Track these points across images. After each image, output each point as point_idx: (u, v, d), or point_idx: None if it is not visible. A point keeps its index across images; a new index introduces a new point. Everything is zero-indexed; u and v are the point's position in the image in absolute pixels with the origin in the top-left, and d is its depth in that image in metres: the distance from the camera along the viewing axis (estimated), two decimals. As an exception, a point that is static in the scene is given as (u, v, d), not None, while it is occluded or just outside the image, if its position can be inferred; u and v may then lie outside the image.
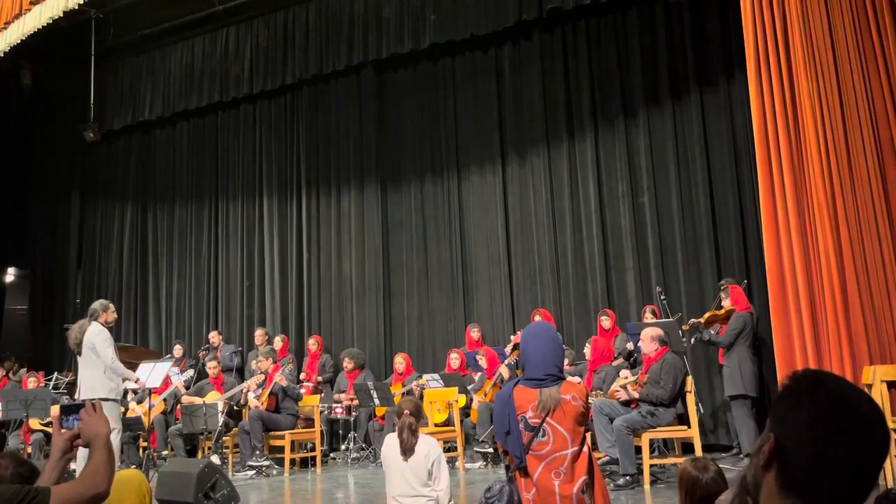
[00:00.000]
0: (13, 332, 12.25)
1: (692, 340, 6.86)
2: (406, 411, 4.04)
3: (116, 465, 5.14)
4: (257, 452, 7.45)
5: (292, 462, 7.75)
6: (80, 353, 6.47)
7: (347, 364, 8.90)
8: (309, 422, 8.12)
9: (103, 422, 2.03)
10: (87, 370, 6.40)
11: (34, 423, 8.21)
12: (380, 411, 7.95)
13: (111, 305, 6.76)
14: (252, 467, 7.42)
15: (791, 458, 1.09)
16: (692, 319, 6.94)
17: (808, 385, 1.13)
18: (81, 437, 2.01)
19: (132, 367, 6.94)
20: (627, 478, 5.69)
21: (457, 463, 7.28)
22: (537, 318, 7.81)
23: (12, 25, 8.86)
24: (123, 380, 6.60)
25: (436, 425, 7.55)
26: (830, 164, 5.45)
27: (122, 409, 7.32)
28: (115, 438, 6.18)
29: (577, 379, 6.71)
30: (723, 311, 6.84)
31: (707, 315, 6.90)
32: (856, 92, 5.48)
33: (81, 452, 3.48)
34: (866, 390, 5.05)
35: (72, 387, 9.95)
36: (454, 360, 8.23)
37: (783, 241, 5.59)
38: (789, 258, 5.57)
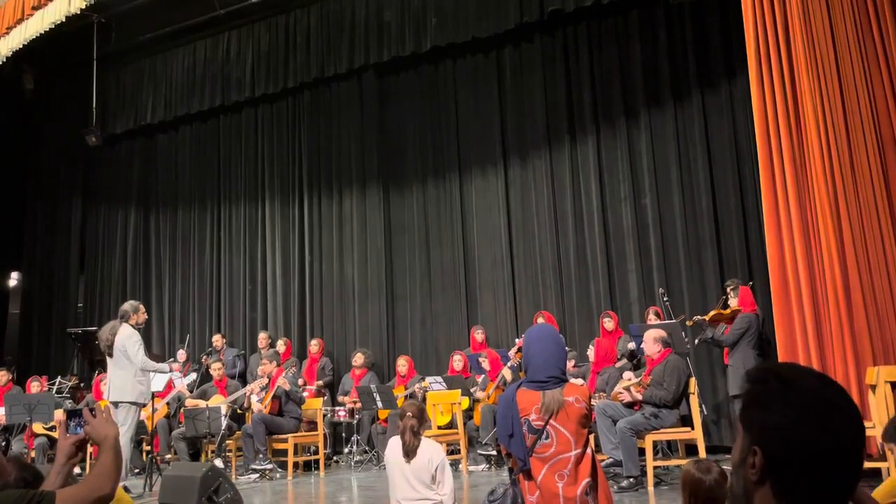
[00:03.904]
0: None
1: (696, 341, 6.86)
2: (409, 413, 4.03)
3: (124, 469, 5.15)
4: (260, 456, 7.45)
5: (295, 465, 7.75)
6: (110, 355, 6.51)
7: (357, 360, 8.87)
8: (312, 425, 8.12)
9: (111, 424, 2.04)
10: (117, 372, 6.43)
11: (37, 428, 8.22)
12: (383, 414, 7.95)
13: (141, 307, 6.81)
14: (255, 471, 7.42)
15: (783, 467, 1.07)
16: (696, 317, 6.95)
17: (777, 387, 1.11)
18: (90, 440, 2.01)
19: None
20: (631, 480, 5.68)
21: (460, 465, 7.28)
22: (540, 320, 7.81)
23: (14, 30, 8.88)
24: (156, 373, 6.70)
25: (439, 428, 7.55)
26: (832, 162, 5.45)
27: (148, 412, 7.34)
28: (127, 439, 6.21)
29: (579, 381, 6.70)
30: (728, 311, 6.85)
31: (712, 314, 6.91)
32: (857, 90, 5.48)
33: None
34: (870, 392, 5.06)
35: (75, 391, 9.97)
36: (457, 362, 8.24)
37: (786, 240, 5.59)
38: (792, 257, 5.56)
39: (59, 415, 7.87)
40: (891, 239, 5.32)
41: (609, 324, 7.68)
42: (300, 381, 9.05)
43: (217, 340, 10.03)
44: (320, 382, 9.09)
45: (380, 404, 7.63)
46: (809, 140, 5.55)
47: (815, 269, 5.47)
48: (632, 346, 7.31)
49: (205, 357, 9.54)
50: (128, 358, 6.41)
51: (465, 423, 7.48)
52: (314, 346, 9.42)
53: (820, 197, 5.45)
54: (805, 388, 1.10)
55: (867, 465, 5.20)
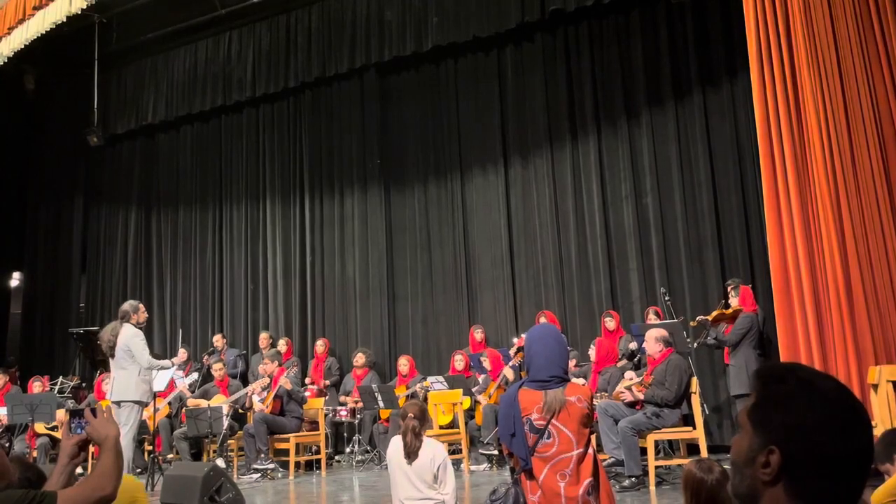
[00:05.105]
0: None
1: (696, 344, 6.85)
2: (410, 414, 4.00)
3: (126, 468, 5.16)
4: (262, 455, 7.46)
5: (297, 465, 7.76)
6: (112, 356, 6.50)
7: (358, 360, 8.89)
8: (313, 425, 8.12)
9: (112, 424, 2.04)
10: (120, 372, 6.43)
11: (39, 428, 8.22)
12: (384, 414, 7.95)
13: (141, 306, 6.81)
14: (257, 470, 7.42)
15: (800, 467, 1.07)
16: (700, 317, 6.94)
17: (798, 387, 1.10)
18: (91, 440, 2.01)
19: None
20: (633, 479, 5.68)
21: (462, 465, 7.28)
22: (542, 319, 7.81)
23: (16, 30, 8.88)
24: (159, 370, 6.71)
25: (440, 427, 7.55)
26: (834, 160, 5.44)
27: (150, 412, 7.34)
28: (129, 438, 6.21)
29: (581, 380, 6.71)
30: (730, 311, 6.84)
31: (715, 313, 6.91)
32: (859, 88, 5.47)
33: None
34: (872, 391, 5.06)
35: (77, 391, 9.98)
36: (458, 362, 8.24)
37: (787, 239, 5.58)
38: (793, 256, 5.56)
39: (60, 415, 7.88)
40: (892, 237, 5.31)
41: (610, 323, 7.67)
42: (307, 380, 9.08)
43: (218, 340, 10.03)
44: (327, 382, 9.09)
45: (381, 404, 7.63)
46: (811, 137, 5.55)
47: (816, 268, 5.47)
48: (633, 345, 7.30)
49: (206, 357, 9.55)
50: (131, 357, 6.41)
51: (466, 423, 7.48)
52: (320, 346, 9.43)
53: (821, 194, 5.45)
54: (826, 390, 1.10)
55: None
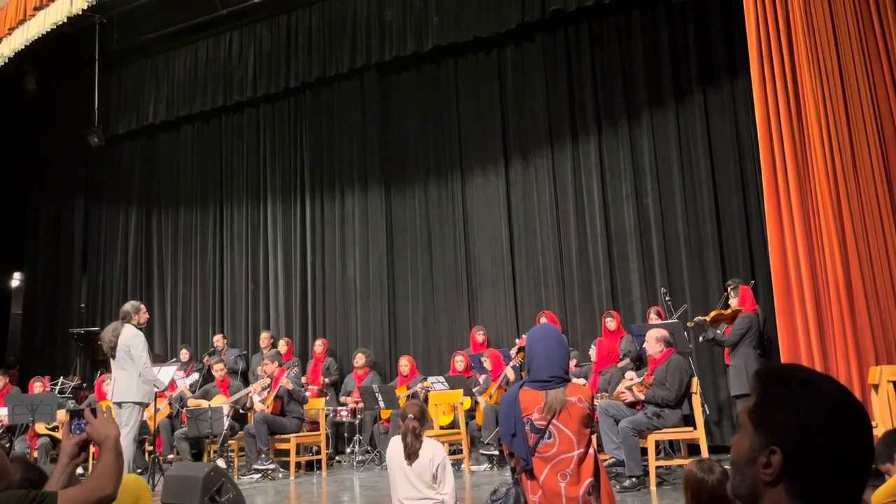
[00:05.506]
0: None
1: (701, 338, 6.85)
2: (410, 415, 4.00)
3: (126, 468, 5.15)
4: (263, 456, 7.46)
5: (298, 465, 7.76)
6: (113, 357, 6.50)
7: (359, 360, 8.89)
8: (314, 425, 8.12)
9: (112, 424, 2.04)
10: (121, 373, 6.43)
11: (40, 428, 8.23)
12: (385, 414, 7.95)
13: (142, 307, 6.80)
14: (257, 471, 7.43)
15: (802, 467, 1.07)
16: (697, 318, 6.94)
17: (799, 387, 1.11)
18: (91, 440, 2.01)
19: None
20: (633, 479, 5.68)
21: (462, 465, 7.28)
22: (543, 319, 7.81)
23: (16, 31, 8.89)
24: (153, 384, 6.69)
25: (441, 428, 7.55)
26: (835, 160, 5.44)
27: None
28: (130, 439, 6.20)
29: (582, 381, 6.70)
30: (729, 311, 6.84)
31: (713, 314, 6.90)
32: (859, 86, 5.47)
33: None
34: (873, 391, 5.05)
35: (78, 391, 9.98)
36: (459, 362, 8.24)
37: (788, 239, 5.58)
38: (794, 256, 5.55)
39: (61, 415, 7.88)
40: (893, 235, 5.31)
41: (611, 323, 7.67)
42: (304, 380, 9.07)
43: (218, 341, 10.04)
44: (326, 381, 9.09)
45: (382, 404, 7.63)
46: (811, 136, 5.55)
47: (817, 268, 5.47)
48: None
49: (206, 357, 9.55)
50: (131, 358, 6.41)
51: (467, 423, 7.48)
52: (319, 346, 9.43)
53: (822, 193, 5.45)
54: (827, 391, 1.10)
55: (870, 465, 5.18)
